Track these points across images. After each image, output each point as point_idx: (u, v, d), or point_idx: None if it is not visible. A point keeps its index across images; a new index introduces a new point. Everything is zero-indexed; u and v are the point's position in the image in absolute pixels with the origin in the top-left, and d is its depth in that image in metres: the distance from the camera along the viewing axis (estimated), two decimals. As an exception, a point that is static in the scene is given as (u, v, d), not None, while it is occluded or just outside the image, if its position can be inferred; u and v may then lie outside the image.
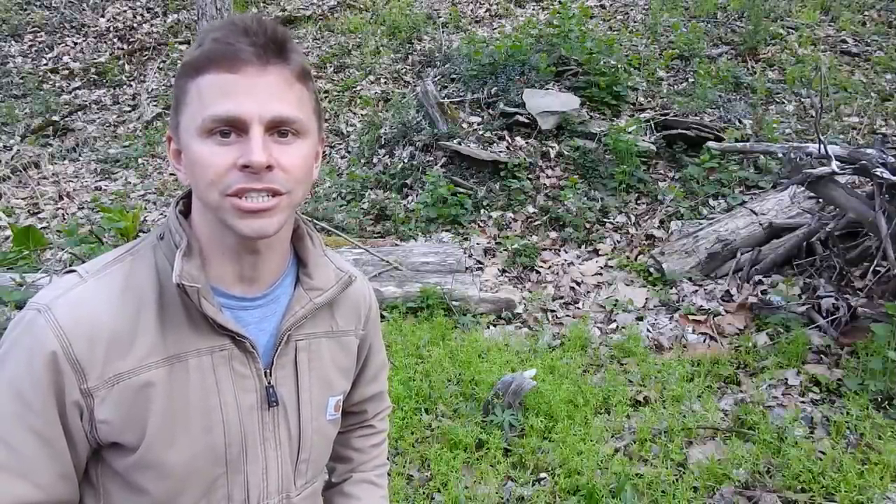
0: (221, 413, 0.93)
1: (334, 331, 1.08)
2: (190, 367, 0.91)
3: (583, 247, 4.74)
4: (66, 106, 7.99)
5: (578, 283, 4.29)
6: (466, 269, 4.19)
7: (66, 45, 9.06)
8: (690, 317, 3.76)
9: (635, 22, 7.69)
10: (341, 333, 1.09)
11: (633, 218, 4.98)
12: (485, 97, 6.03)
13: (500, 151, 5.44)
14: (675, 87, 6.41)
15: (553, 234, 4.86)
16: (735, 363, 3.32)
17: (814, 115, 5.39)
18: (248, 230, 0.87)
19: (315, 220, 4.73)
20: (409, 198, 5.36)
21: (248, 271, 0.96)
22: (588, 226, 4.89)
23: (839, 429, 2.73)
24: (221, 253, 0.94)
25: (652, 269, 4.26)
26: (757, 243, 4.16)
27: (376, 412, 1.27)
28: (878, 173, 3.34)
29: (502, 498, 2.48)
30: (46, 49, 8.98)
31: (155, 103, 7.95)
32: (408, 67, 7.48)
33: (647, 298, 4.03)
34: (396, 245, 4.54)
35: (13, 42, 9.00)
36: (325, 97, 7.29)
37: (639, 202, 5.15)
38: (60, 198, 6.22)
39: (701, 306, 3.82)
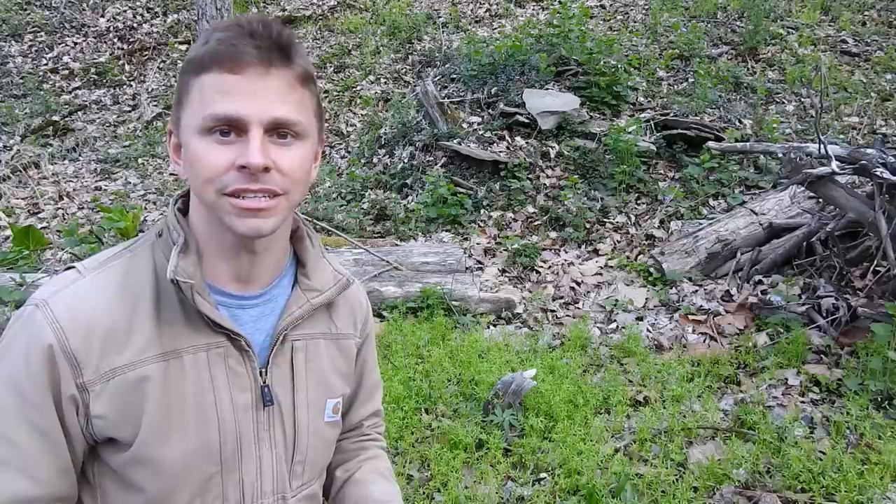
0: (216, 410, 0.93)
1: (333, 333, 1.08)
2: (185, 364, 0.91)
3: (583, 247, 4.74)
4: (66, 106, 7.99)
5: (578, 283, 4.29)
6: (466, 269, 4.19)
7: (66, 45, 9.05)
8: (690, 317, 3.76)
9: (635, 22, 7.69)
10: (340, 336, 1.09)
11: (633, 218, 4.98)
12: (485, 97, 6.02)
13: (500, 151, 5.44)
14: (675, 87, 6.42)
15: (553, 234, 4.86)
16: (735, 363, 3.32)
17: (814, 115, 5.39)
18: (245, 228, 0.88)
19: (315, 220, 4.73)
20: (409, 198, 5.36)
21: (245, 270, 0.97)
22: (588, 226, 4.89)
23: (839, 429, 2.73)
24: (219, 251, 0.95)
25: (652, 269, 4.26)
26: (757, 243, 4.16)
27: (373, 428, 1.27)
28: (878, 173, 3.34)
29: (502, 498, 2.48)
30: (46, 49, 8.97)
31: (155, 103, 7.95)
32: (408, 67, 7.48)
33: (647, 298, 4.03)
34: (396, 245, 4.54)
35: (13, 42, 9.00)
36: (325, 97, 7.29)
37: (639, 202, 5.15)
38: (60, 198, 6.22)
39: (701, 306, 3.82)
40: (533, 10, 8.30)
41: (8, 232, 5.12)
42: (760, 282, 3.97)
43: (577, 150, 5.42)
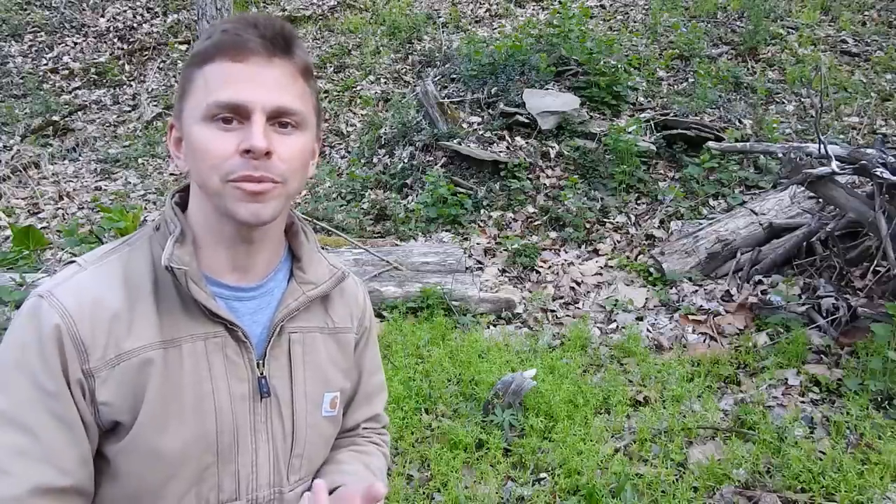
0: (214, 400, 0.93)
1: (329, 327, 1.08)
2: (184, 352, 0.92)
3: (583, 247, 4.74)
4: (66, 106, 7.99)
5: (578, 283, 4.29)
6: (466, 269, 4.19)
7: (66, 45, 9.05)
8: (690, 317, 3.76)
9: (635, 22, 7.69)
10: (338, 331, 1.10)
11: (633, 218, 4.98)
12: (485, 97, 6.02)
13: (500, 151, 5.44)
14: (675, 87, 6.42)
15: (553, 234, 4.86)
16: (735, 363, 3.32)
17: (814, 115, 5.39)
18: (246, 213, 0.89)
19: (315, 220, 4.73)
20: (409, 198, 5.36)
21: (242, 260, 0.98)
22: (588, 226, 4.89)
23: (839, 429, 2.73)
24: (216, 241, 0.96)
25: (652, 269, 4.26)
26: (757, 243, 4.16)
27: (372, 432, 1.23)
28: (878, 173, 3.34)
29: (502, 498, 2.48)
30: (46, 49, 8.97)
31: (155, 103, 7.95)
32: (408, 67, 7.48)
33: (647, 298, 4.03)
34: (396, 245, 4.54)
35: (13, 42, 9.00)
36: (325, 97, 7.28)
37: (639, 202, 5.15)
38: (60, 198, 6.22)
39: (701, 306, 3.82)
40: (533, 10, 8.30)
41: (8, 232, 5.12)
42: (760, 282, 3.97)
43: (577, 150, 5.42)
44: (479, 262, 4.51)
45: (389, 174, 5.65)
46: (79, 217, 5.66)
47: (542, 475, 2.59)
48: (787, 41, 7.03)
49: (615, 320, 3.85)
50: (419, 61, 7.46)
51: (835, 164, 3.52)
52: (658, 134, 5.55)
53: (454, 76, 6.54)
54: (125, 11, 9.62)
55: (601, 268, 4.44)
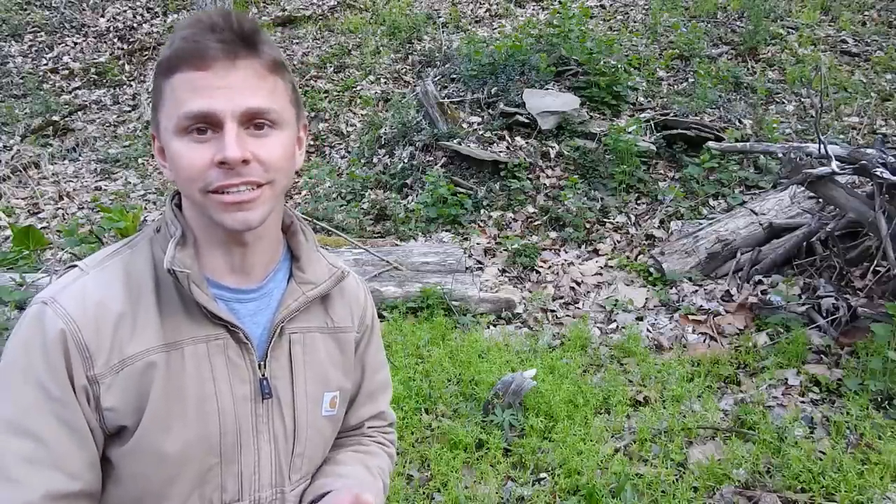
0: (217, 401, 0.94)
1: (329, 327, 1.08)
2: (186, 355, 0.92)
3: (583, 247, 4.74)
4: (66, 106, 7.99)
5: (578, 283, 4.29)
6: (466, 269, 4.18)
7: (66, 45, 9.05)
8: (690, 317, 3.75)
9: (635, 22, 7.69)
10: (338, 330, 1.09)
11: (633, 218, 4.98)
12: (485, 97, 6.02)
13: (500, 151, 5.44)
14: (675, 87, 6.41)
15: (553, 234, 4.86)
16: (735, 363, 3.32)
17: (814, 115, 5.39)
18: (233, 222, 0.89)
19: (315, 220, 4.73)
20: (409, 198, 5.36)
21: (239, 262, 0.98)
22: (588, 226, 4.89)
23: (839, 429, 2.73)
24: (213, 244, 0.96)
25: (652, 269, 4.26)
26: (757, 243, 4.16)
27: (377, 431, 1.23)
28: (878, 173, 3.34)
29: (502, 498, 2.48)
30: (46, 49, 8.97)
31: (155, 103, 7.94)
32: (408, 67, 7.48)
33: (647, 298, 4.03)
34: (396, 245, 4.54)
35: (13, 42, 9.00)
36: (325, 97, 7.28)
37: (639, 202, 5.15)
38: (60, 198, 6.22)
39: (701, 306, 3.82)
40: (533, 10, 8.30)
41: (8, 232, 5.12)
42: (760, 282, 3.97)
43: (577, 150, 5.42)
44: (479, 262, 4.51)
45: (389, 174, 5.65)
46: (79, 217, 5.65)
47: (542, 475, 2.59)
48: (787, 41, 7.03)
49: (615, 320, 3.85)
50: (419, 61, 7.46)
51: (835, 164, 3.52)
52: (658, 134, 5.55)
53: (454, 76, 6.54)
54: (125, 11, 9.62)
55: (601, 268, 4.44)
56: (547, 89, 5.91)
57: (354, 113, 7.01)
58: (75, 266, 0.95)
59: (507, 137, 5.58)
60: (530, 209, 5.08)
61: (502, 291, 4.14)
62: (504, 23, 7.95)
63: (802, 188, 3.82)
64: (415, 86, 6.76)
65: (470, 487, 2.51)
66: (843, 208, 3.64)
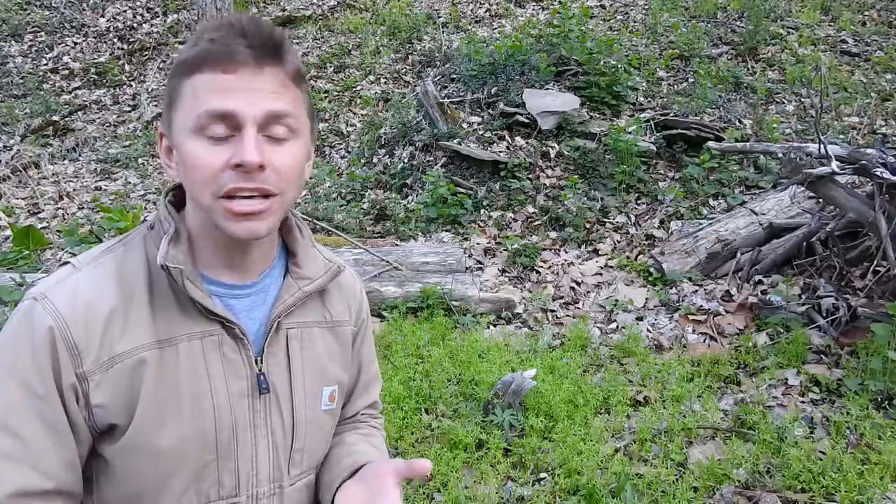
0: (211, 398, 0.93)
1: (327, 321, 1.08)
2: (180, 351, 0.92)
3: (583, 247, 4.74)
4: (66, 106, 7.99)
5: (578, 283, 4.29)
6: (466, 269, 4.18)
7: (66, 45, 9.05)
8: (690, 317, 3.75)
9: (635, 22, 7.69)
10: (335, 324, 1.10)
11: (633, 218, 4.98)
12: (485, 97, 6.02)
13: (500, 151, 5.44)
14: (675, 87, 6.41)
15: (553, 234, 4.86)
16: (735, 363, 3.32)
17: (814, 115, 5.39)
18: (241, 232, 0.88)
19: (315, 220, 4.73)
20: (409, 198, 5.36)
21: (237, 260, 0.98)
22: (588, 226, 4.89)
23: (839, 429, 2.73)
24: (211, 245, 0.96)
25: (652, 269, 4.26)
26: (757, 243, 4.16)
27: (370, 418, 1.27)
28: (878, 173, 3.34)
29: (502, 498, 2.48)
30: (46, 49, 8.97)
31: (155, 103, 7.95)
32: (408, 67, 7.48)
33: (647, 298, 4.03)
34: (396, 245, 4.54)
35: (13, 42, 9.00)
36: (325, 97, 7.28)
37: (639, 202, 5.15)
38: (60, 198, 6.22)
39: (701, 306, 3.82)
40: (533, 10, 8.30)
41: (8, 232, 5.12)
42: (760, 282, 3.97)
43: (577, 150, 5.42)
44: (479, 262, 4.51)
45: (389, 174, 5.65)
46: (79, 217, 5.65)
47: (542, 475, 2.59)
48: (787, 41, 7.03)
49: (615, 320, 3.85)
50: (419, 61, 7.46)
51: (835, 164, 3.52)
52: (658, 134, 5.55)
53: (454, 76, 6.54)
54: (125, 11, 9.62)
55: (601, 268, 4.44)
56: (547, 89, 5.91)
57: (354, 113, 7.01)
58: (69, 262, 0.95)
59: (507, 137, 5.58)
60: (530, 209, 5.08)
61: (502, 291, 4.14)
62: (504, 23, 7.95)
63: (802, 188, 3.82)
64: (415, 86, 6.76)
65: (470, 487, 2.51)
66: (843, 208, 3.64)
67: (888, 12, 7.59)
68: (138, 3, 9.77)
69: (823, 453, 2.60)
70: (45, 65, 8.72)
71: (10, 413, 0.86)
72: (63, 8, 9.51)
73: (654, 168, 5.44)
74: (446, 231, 4.90)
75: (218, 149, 0.86)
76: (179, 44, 8.81)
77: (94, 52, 8.94)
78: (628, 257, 4.54)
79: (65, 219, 5.75)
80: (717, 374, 3.22)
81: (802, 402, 2.98)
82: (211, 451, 0.94)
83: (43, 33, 9.17)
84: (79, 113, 7.94)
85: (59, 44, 9.06)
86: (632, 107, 6.09)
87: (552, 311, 4.01)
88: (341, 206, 5.31)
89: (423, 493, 2.50)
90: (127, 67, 8.68)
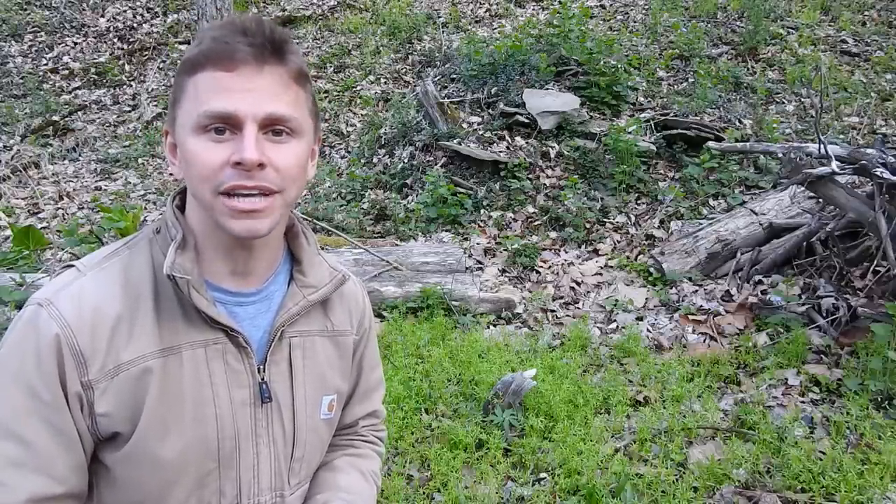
0: (214, 406, 0.93)
1: (329, 330, 1.08)
2: (184, 359, 0.92)
3: (583, 247, 4.74)
4: (66, 106, 7.99)
5: (578, 283, 4.29)
6: (466, 269, 4.18)
7: (66, 45, 9.05)
8: (690, 317, 3.75)
9: (635, 22, 7.69)
10: (337, 333, 1.09)
11: (633, 218, 4.98)
12: (485, 97, 6.02)
13: (500, 151, 5.44)
14: (675, 87, 6.41)
15: (553, 234, 4.86)
16: (735, 363, 3.32)
17: (814, 115, 5.39)
18: (240, 229, 0.88)
19: (315, 220, 4.73)
20: (409, 198, 5.36)
21: (241, 266, 0.97)
22: (588, 226, 4.89)
23: (839, 429, 2.73)
24: (214, 248, 0.95)
25: (652, 269, 4.26)
26: (757, 243, 4.16)
27: (370, 430, 1.25)
28: (878, 173, 3.34)
29: (502, 498, 2.48)
30: (46, 49, 8.97)
31: (155, 103, 7.95)
32: (408, 67, 7.48)
33: (647, 298, 4.03)
34: (396, 245, 4.54)
35: (13, 42, 9.00)
36: (325, 97, 7.28)
37: (639, 202, 5.15)
38: (60, 198, 6.22)
39: (701, 306, 3.82)
40: (533, 10, 8.29)
41: (8, 232, 5.12)
42: (760, 282, 3.97)
43: (577, 150, 5.42)
44: (479, 262, 4.51)
45: (389, 174, 5.65)
46: (79, 217, 5.65)
47: (542, 475, 2.59)
48: (787, 41, 7.03)
49: (615, 320, 3.85)
50: (419, 61, 7.46)
51: (835, 164, 3.52)
52: (658, 134, 5.55)
53: (454, 76, 6.54)
54: (125, 11, 9.62)
55: (601, 268, 4.44)
56: (547, 89, 5.91)
57: (354, 113, 7.01)
58: (72, 266, 0.94)
59: (507, 137, 5.58)
60: (530, 209, 5.08)
61: (502, 291, 4.14)
62: (504, 23, 7.95)
63: (802, 188, 3.82)
64: (415, 86, 6.76)
65: (470, 487, 2.50)
66: (843, 208, 3.64)
67: (888, 12, 7.59)
68: (138, 3, 9.77)
69: (823, 453, 2.60)
70: (45, 65, 8.72)
71: (16, 419, 0.85)
72: (63, 8, 9.51)
73: (654, 168, 5.44)
74: (446, 231, 4.90)
75: (219, 146, 0.86)
76: (179, 44, 8.82)
77: (94, 52, 8.94)
78: (628, 257, 4.54)
79: (65, 219, 5.75)
80: (717, 374, 3.22)
81: (802, 402, 2.98)
82: (213, 460, 0.93)
83: (43, 33, 9.17)
84: (79, 113, 7.94)
85: (59, 44, 9.06)
86: (632, 107, 6.09)
87: (552, 311, 4.01)
88: (341, 206, 5.31)
89: (423, 493, 2.50)
90: (127, 67, 8.68)
